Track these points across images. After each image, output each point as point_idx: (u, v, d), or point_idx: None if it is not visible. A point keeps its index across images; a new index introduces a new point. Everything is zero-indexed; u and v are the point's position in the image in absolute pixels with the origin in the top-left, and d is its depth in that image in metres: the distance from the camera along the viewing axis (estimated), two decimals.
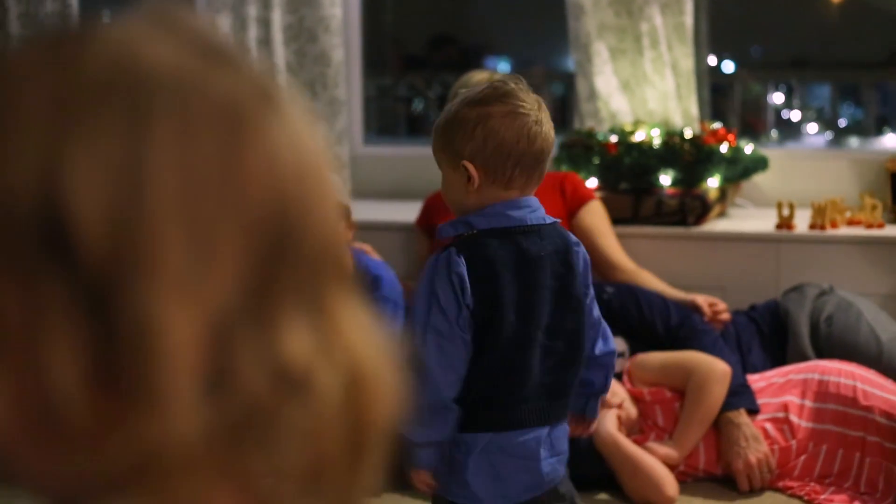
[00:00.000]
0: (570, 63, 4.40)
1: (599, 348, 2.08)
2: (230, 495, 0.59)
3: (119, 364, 0.55)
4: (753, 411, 3.12)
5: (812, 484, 3.03)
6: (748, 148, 4.08)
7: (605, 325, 2.11)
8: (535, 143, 1.97)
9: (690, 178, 3.83)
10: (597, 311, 2.08)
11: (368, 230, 3.55)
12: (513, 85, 2.00)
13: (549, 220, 2.01)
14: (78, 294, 0.54)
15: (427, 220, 3.73)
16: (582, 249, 2.05)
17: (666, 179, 3.83)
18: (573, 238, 2.06)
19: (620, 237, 3.70)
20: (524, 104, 1.97)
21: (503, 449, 1.97)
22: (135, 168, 0.54)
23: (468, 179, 1.98)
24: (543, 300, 1.98)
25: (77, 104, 0.55)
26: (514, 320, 1.96)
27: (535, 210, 2.00)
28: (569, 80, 5.13)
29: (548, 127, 1.99)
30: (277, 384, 0.58)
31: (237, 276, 0.56)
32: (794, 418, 3.11)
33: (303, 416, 0.59)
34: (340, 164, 4.11)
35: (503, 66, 6.47)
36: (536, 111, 1.98)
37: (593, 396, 2.12)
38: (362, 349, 0.62)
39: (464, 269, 1.91)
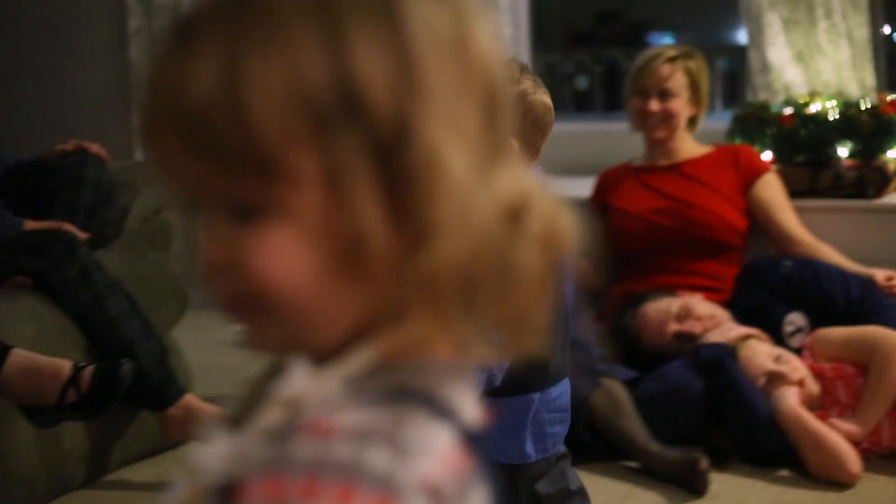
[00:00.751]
0: (738, 37, 4.33)
1: None
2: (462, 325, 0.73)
3: (409, 201, 0.70)
4: None
5: None
6: None
7: None
8: (550, 115, 2.06)
9: (869, 149, 3.75)
10: None
11: None
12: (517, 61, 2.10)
13: None
14: (373, 149, 0.69)
15: (601, 198, 3.72)
16: None
17: (843, 151, 3.75)
18: None
19: (797, 210, 3.64)
20: (537, 79, 2.07)
21: (547, 406, 2.05)
22: (401, 49, 0.70)
23: None
24: None
25: (341, 10, 0.71)
26: None
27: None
28: (735, 54, 5.05)
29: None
30: (505, 217, 0.73)
31: (476, 125, 0.73)
32: None
33: (525, 253, 0.73)
34: None
35: (668, 41, 6.40)
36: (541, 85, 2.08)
37: None
38: (547, 196, 0.76)
39: None
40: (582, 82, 5.79)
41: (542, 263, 0.74)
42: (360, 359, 0.71)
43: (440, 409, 0.71)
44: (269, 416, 0.71)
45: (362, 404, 0.69)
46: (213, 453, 0.71)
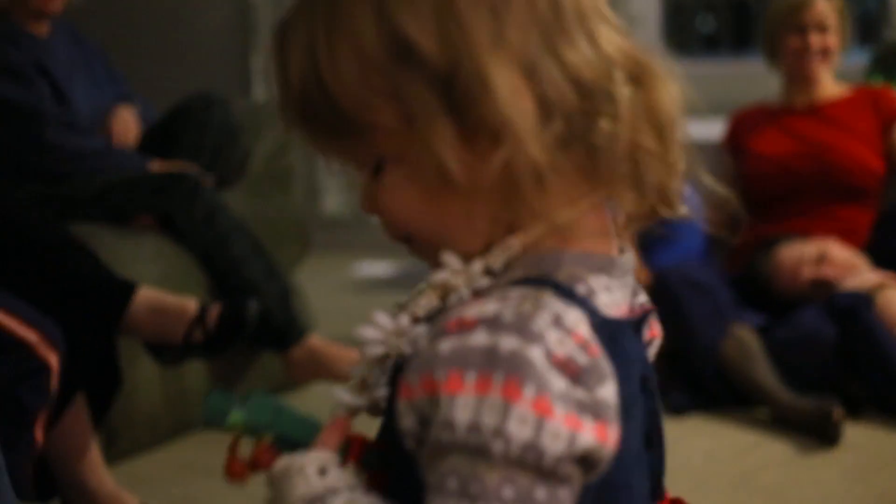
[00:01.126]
0: None
1: None
2: (570, 200, 0.84)
3: (473, 118, 0.80)
4: None
5: None
6: None
7: None
8: None
9: None
10: None
11: None
12: None
13: None
14: (434, 86, 0.81)
15: (735, 140, 3.60)
16: None
17: None
18: None
19: None
20: None
21: None
22: (440, 5, 0.81)
23: None
24: None
25: None
26: None
27: None
28: None
29: None
30: (583, 94, 0.82)
31: (525, 34, 0.82)
32: None
33: (612, 121, 0.82)
34: None
35: None
36: None
37: None
38: (634, 52, 0.85)
39: None
40: (710, 21, 5.67)
41: (644, 127, 0.84)
42: (497, 252, 0.83)
43: (569, 295, 0.80)
44: (424, 299, 0.85)
45: (498, 292, 0.79)
46: (373, 330, 0.85)
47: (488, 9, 0.82)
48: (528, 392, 0.73)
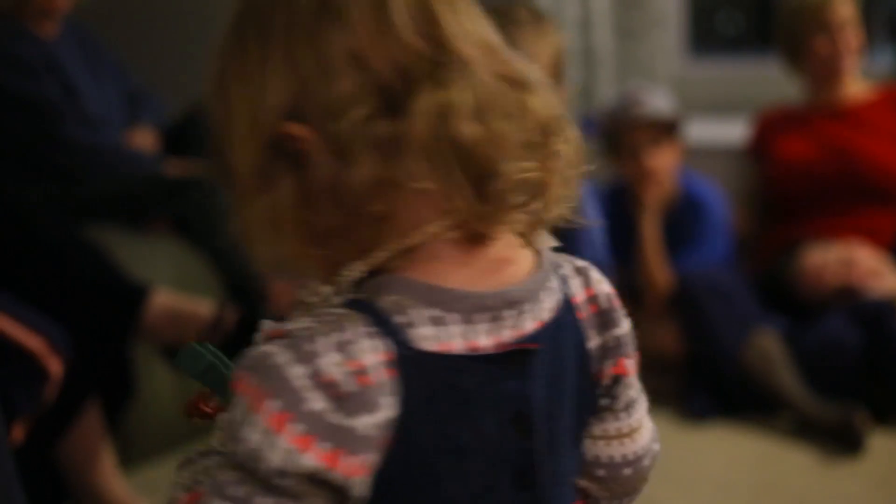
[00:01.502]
0: None
1: None
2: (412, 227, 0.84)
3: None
4: None
5: None
6: None
7: None
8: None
9: None
10: None
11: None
12: None
13: None
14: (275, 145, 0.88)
15: (759, 144, 3.54)
16: None
17: None
18: None
19: None
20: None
21: None
22: (221, 79, 0.92)
23: None
24: None
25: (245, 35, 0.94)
26: None
27: None
28: None
29: None
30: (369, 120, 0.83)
31: (289, 88, 0.86)
32: None
33: (350, 164, 0.84)
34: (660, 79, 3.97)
35: None
36: None
37: None
38: (412, 68, 0.84)
39: None
40: (735, 21, 5.64)
41: (407, 162, 0.82)
42: (342, 275, 0.85)
43: (381, 322, 0.82)
44: (296, 314, 0.87)
45: (326, 311, 0.84)
46: (260, 335, 0.88)
47: (254, 77, 0.88)
48: (272, 405, 0.79)
